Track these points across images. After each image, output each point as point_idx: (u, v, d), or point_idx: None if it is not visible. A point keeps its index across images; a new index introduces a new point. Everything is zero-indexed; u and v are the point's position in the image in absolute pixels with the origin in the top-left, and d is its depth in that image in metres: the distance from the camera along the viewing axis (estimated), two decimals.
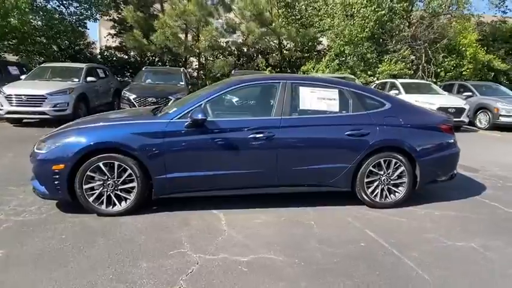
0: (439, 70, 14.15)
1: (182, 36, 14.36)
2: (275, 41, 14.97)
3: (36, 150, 3.34)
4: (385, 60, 13.38)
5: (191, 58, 16.63)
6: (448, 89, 11.87)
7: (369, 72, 13.73)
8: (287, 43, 15.64)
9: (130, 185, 3.30)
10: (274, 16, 14.49)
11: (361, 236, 3.05)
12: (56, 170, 3.18)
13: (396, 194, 3.74)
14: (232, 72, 11.42)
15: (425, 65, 13.98)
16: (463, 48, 13.65)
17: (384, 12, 12.56)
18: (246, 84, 3.71)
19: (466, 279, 2.43)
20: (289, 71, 16.22)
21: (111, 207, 3.32)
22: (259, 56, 15.81)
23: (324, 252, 2.73)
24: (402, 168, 3.68)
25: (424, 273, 2.46)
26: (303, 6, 15.16)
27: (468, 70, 13.86)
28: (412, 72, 13.76)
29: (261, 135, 3.40)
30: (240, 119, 3.59)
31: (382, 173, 3.67)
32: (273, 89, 3.65)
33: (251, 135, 3.40)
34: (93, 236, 2.89)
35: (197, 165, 3.39)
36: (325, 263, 2.57)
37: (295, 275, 2.41)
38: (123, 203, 3.33)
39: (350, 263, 2.58)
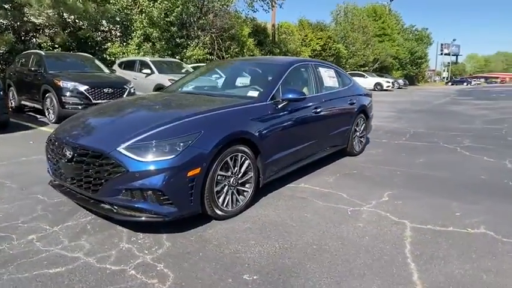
0: (226, 56, 16.76)
1: None
2: (67, 18, 12.37)
3: (152, 159, 2.37)
4: (191, 45, 14.41)
5: None
6: None
7: (177, 57, 14.33)
8: (78, 20, 13.30)
9: (247, 177, 3.04)
10: None
11: (387, 169, 4.39)
12: (192, 176, 2.49)
13: (362, 142, 5.30)
14: (43, 53, 8.88)
15: (218, 51, 16.17)
16: (243, 39, 16.85)
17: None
18: (298, 64, 4.02)
19: (447, 169, 4.30)
20: (77, 50, 13.99)
21: (234, 205, 2.93)
22: (41, 33, 12.53)
23: (393, 176, 3.89)
24: (364, 124, 5.26)
25: (435, 173, 4.21)
26: None
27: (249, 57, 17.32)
28: (212, 57, 15.61)
29: (318, 109, 3.96)
30: (307, 97, 3.90)
31: (358, 129, 5.09)
32: (308, 69, 4.18)
33: (313, 110, 3.88)
34: (282, 232, 2.66)
35: (288, 143, 3.53)
36: (404, 179, 3.85)
37: (407, 191, 3.48)
38: (241, 197, 3.01)
39: (412, 176, 3.93)
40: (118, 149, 2.41)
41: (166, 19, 13.19)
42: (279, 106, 3.37)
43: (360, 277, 2.06)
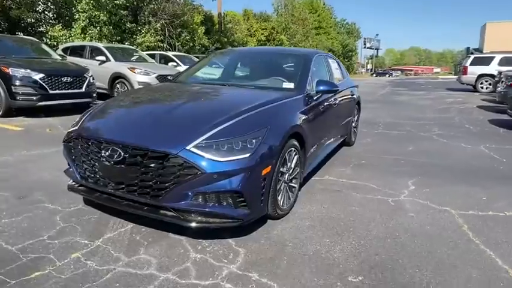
0: (178, 43, 15.96)
1: None
2: None
3: (229, 159, 2.12)
4: (142, 31, 13.39)
5: None
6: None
7: (126, 43, 13.23)
8: None
9: (295, 172, 2.92)
10: None
11: (389, 158, 4.59)
12: (265, 175, 2.32)
13: (355, 133, 5.47)
14: None
15: (169, 38, 15.29)
16: (195, 27, 16.16)
17: None
18: (317, 55, 3.92)
19: (439, 156, 4.66)
20: (8, 33, 12.12)
21: (287, 203, 2.81)
22: None
23: (400, 165, 4.10)
24: (357, 114, 5.44)
25: (433, 160, 4.51)
26: None
27: (200, 46, 16.69)
28: (163, 45, 14.71)
29: (336, 101, 3.97)
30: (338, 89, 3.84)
31: (354, 119, 5.23)
32: (322, 60, 4.14)
33: (333, 102, 3.88)
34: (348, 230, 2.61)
35: (319, 136, 3.47)
36: (412, 168, 4.02)
37: (425, 179, 3.70)
38: (290, 194, 2.89)
39: (416, 164, 4.17)
40: (188, 148, 2.12)
41: (115, 1, 12.03)
42: (314, 98, 3.29)
43: (454, 268, 2.12)
